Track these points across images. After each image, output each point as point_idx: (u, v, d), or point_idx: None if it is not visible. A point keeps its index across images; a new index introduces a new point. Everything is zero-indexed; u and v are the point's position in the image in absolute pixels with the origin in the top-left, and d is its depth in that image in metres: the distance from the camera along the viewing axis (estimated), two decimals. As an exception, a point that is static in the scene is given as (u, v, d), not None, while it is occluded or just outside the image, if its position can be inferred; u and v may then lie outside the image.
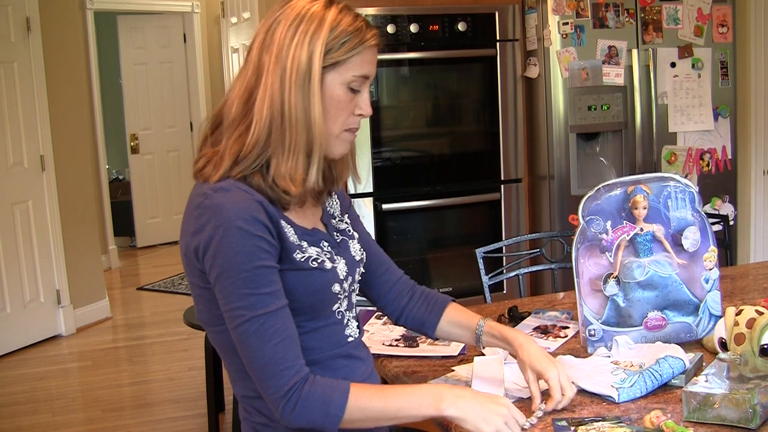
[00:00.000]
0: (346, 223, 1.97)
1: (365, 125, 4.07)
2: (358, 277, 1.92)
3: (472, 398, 1.72)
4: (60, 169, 6.18)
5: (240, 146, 1.68)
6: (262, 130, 1.67)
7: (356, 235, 1.96)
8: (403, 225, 4.25)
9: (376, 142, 4.13)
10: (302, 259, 1.73)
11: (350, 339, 1.87)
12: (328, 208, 1.93)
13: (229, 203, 1.63)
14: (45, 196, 6.06)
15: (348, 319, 1.88)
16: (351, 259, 1.88)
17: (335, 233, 1.90)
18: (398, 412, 1.69)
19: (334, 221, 1.93)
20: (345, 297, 1.85)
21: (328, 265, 1.77)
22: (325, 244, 1.81)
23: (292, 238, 1.72)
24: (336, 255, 1.82)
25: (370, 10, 4.06)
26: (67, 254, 6.24)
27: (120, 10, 8.49)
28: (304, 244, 1.75)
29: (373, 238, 2.20)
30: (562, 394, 1.86)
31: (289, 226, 1.73)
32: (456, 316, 2.07)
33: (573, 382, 1.93)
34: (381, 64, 4.12)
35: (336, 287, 1.79)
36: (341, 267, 1.81)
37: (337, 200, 1.98)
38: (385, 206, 4.14)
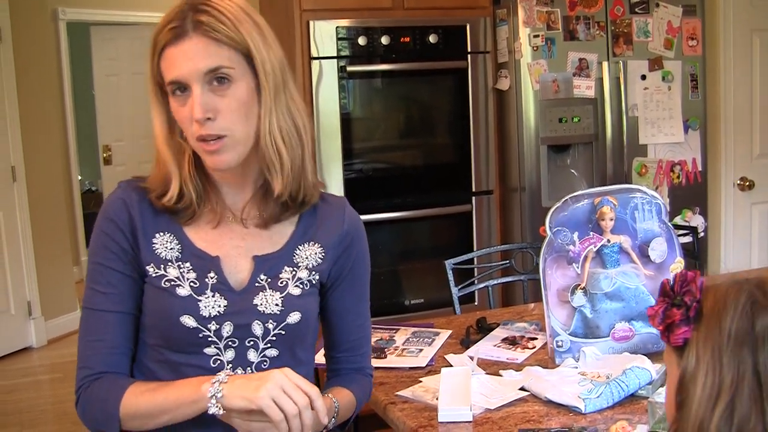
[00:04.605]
0: (309, 281, 1.73)
1: (335, 137, 4.07)
2: (258, 331, 1.67)
3: (238, 378, 1.54)
4: (31, 180, 6.14)
5: None
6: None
7: (293, 290, 1.71)
8: (374, 237, 4.21)
9: (348, 153, 4.13)
10: (155, 275, 1.66)
11: None
12: (295, 257, 1.73)
13: (107, 199, 1.71)
14: (16, 207, 6.02)
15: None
16: (247, 307, 1.67)
17: (260, 277, 1.69)
18: (163, 405, 1.55)
19: (285, 267, 1.72)
20: (231, 346, 1.66)
21: (183, 292, 1.64)
22: (212, 275, 1.66)
23: (159, 250, 1.67)
24: (211, 290, 1.66)
25: (343, 22, 4.07)
26: (39, 265, 6.19)
27: (93, 21, 8.45)
28: (171, 261, 1.66)
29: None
30: None
31: (170, 238, 1.68)
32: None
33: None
34: (352, 75, 4.15)
35: (188, 320, 1.62)
36: (209, 303, 1.64)
37: (321, 255, 1.76)
38: (356, 218, 4.14)
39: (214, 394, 1.49)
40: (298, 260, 1.74)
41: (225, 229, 1.71)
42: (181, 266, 1.66)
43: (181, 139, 1.66)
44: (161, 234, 1.68)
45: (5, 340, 6.03)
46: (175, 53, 1.58)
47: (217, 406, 1.49)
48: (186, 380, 1.57)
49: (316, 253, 1.75)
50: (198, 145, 1.61)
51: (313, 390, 1.52)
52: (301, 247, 1.74)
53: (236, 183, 1.71)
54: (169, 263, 1.66)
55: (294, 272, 1.72)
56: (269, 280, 1.70)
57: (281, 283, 1.71)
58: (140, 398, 1.58)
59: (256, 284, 1.69)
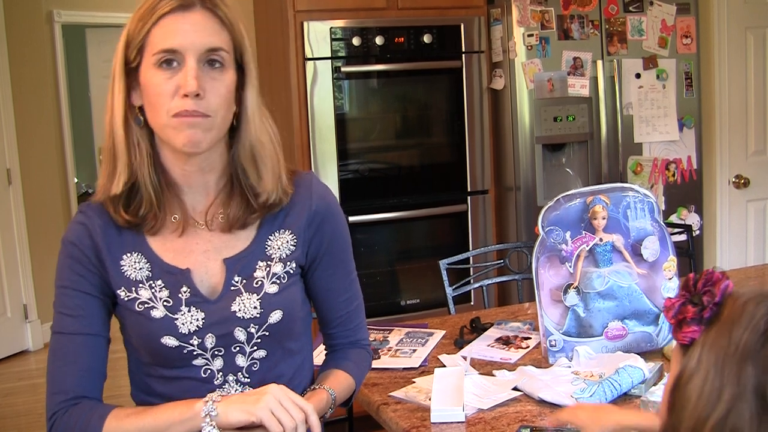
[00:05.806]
0: (287, 273, 1.70)
1: (330, 137, 4.07)
2: (241, 336, 1.65)
3: (232, 396, 1.55)
4: (27, 183, 6.14)
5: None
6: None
7: (270, 289, 1.67)
8: (370, 237, 4.25)
9: (343, 154, 4.13)
10: (127, 298, 1.63)
11: None
12: (267, 248, 1.70)
13: (69, 225, 1.71)
14: (12, 209, 6.02)
15: (226, 382, 1.67)
16: (225, 316, 1.64)
17: (234, 279, 1.66)
18: (152, 426, 1.53)
19: (259, 263, 1.69)
20: (218, 355, 1.65)
21: (157, 314, 1.62)
22: (185, 289, 1.64)
23: (128, 272, 1.64)
24: (186, 305, 1.63)
25: (337, 23, 4.06)
26: (35, 268, 6.19)
27: (88, 23, 8.42)
28: (142, 281, 1.63)
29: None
30: None
31: (138, 257, 1.65)
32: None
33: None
34: (347, 76, 4.15)
35: (169, 340, 1.61)
36: (186, 320, 1.62)
37: (293, 242, 1.71)
38: (352, 218, 4.13)
39: (208, 413, 1.49)
40: (270, 252, 1.70)
41: (191, 235, 1.68)
42: (153, 285, 1.64)
43: (136, 125, 1.62)
44: (128, 255, 1.65)
45: (1, 344, 6.02)
46: (179, 21, 1.53)
47: (211, 425, 1.48)
48: (175, 402, 1.56)
49: (287, 241, 1.71)
50: (173, 121, 1.54)
51: (309, 406, 1.52)
52: (272, 237, 1.70)
53: (199, 182, 1.66)
54: (140, 284, 1.64)
55: (268, 267, 1.68)
56: (244, 281, 1.66)
57: (257, 283, 1.67)
58: (125, 421, 1.56)
59: (232, 288, 1.66)
